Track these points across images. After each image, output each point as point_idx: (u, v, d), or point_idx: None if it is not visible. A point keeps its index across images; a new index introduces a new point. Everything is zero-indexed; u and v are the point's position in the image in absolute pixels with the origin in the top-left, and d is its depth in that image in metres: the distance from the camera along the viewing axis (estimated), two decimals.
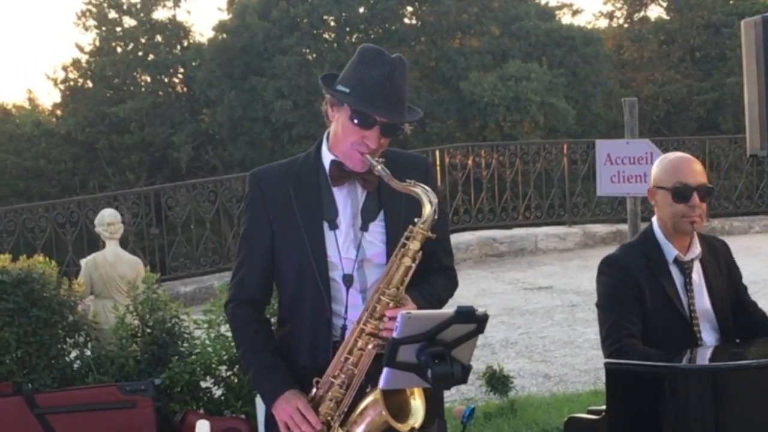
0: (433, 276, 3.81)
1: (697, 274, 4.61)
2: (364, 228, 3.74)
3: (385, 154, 3.72)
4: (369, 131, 3.61)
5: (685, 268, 4.57)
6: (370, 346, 3.54)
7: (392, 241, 3.69)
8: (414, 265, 3.57)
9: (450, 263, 3.96)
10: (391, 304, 3.54)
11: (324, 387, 3.63)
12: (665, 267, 4.56)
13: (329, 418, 3.62)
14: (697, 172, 4.54)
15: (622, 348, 4.41)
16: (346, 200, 3.76)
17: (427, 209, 3.57)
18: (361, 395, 3.58)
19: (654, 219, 4.67)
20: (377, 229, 3.75)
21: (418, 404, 3.51)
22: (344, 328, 3.71)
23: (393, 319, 3.48)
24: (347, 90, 3.64)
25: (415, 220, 3.58)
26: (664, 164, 4.62)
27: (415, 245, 3.56)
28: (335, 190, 3.76)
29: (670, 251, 4.56)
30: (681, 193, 4.48)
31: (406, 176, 3.65)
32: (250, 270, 3.85)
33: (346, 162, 3.71)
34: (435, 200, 3.58)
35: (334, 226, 3.73)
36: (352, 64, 3.70)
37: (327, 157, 3.78)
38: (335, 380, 3.61)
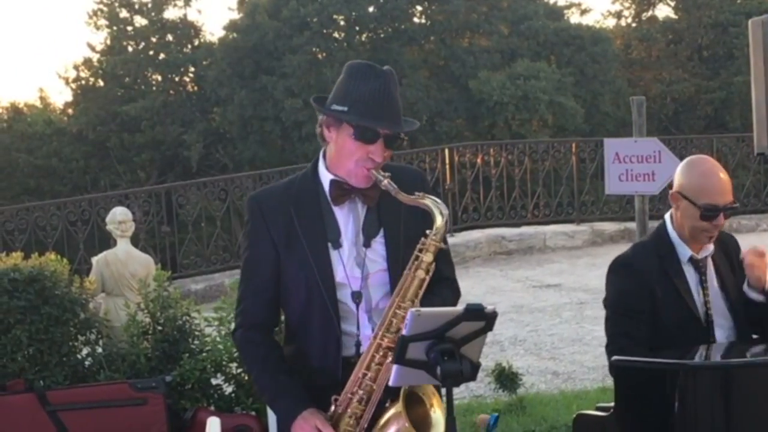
0: (438, 287, 3.77)
1: (710, 272, 4.60)
2: (367, 245, 3.74)
3: (385, 169, 3.72)
4: (373, 146, 3.62)
5: (700, 266, 4.56)
6: (388, 360, 3.51)
7: (392, 257, 3.72)
8: (428, 278, 3.56)
9: (452, 274, 3.95)
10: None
11: (343, 404, 3.61)
12: (678, 266, 4.55)
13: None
14: (726, 189, 4.47)
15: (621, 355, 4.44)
16: (347, 219, 3.76)
17: (439, 221, 3.56)
18: (380, 410, 3.58)
19: (667, 217, 4.64)
20: (378, 246, 3.76)
21: (438, 416, 3.52)
22: (358, 344, 3.71)
23: None
24: (345, 108, 3.63)
25: (427, 232, 3.57)
26: (695, 176, 4.51)
27: (428, 257, 3.55)
28: (336, 210, 3.75)
29: (684, 251, 4.55)
30: (709, 213, 4.42)
31: (408, 189, 3.65)
32: (256, 297, 3.83)
33: (350, 180, 3.70)
34: (446, 212, 3.58)
35: (337, 246, 3.72)
36: (342, 82, 3.69)
37: (326, 177, 3.76)
38: (353, 396, 3.58)
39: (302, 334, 3.80)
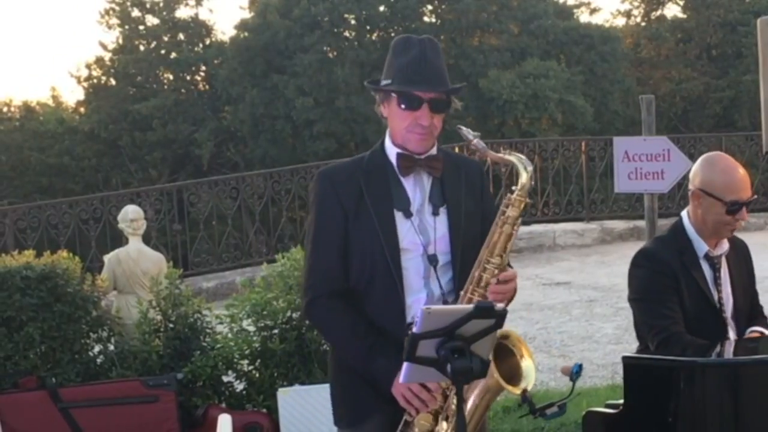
0: None
1: (723, 270, 4.68)
2: (436, 213, 3.91)
3: (445, 154, 4.00)
4: (418, 111, 3.82)
5: (715, 263, 4.64)
6: None
7: (455, 226, 3.90)
8: (515, 233, 3.76)
9: None
10: (496, 272, 3.72)
11: None
12: (696, 261, 4.62)
13: (445, 387, 3.71)
14: (747, 185, 4.60)
15: (671, 338, 4.47)
16: (414, 189, 3.93)
17: (524, 177, 3.80)
18: None
19: (684, 214, 4.71)
20: (443, 215, 3.92)
21: (528, 365, 3.67)
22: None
23: (502, 282, 3.70)
24: (389, 81, 3.85)
25: (513, 188, 3.81)
26: (717, 173, 4.59)
27: (514, 212, 3.77)
28: (404, 181, 3.92)
29: (701, 246, 4.62)
30: (735, 208, 4.51)
31: (463, 174, 3.97)
32: (330, 262, 3.92)
33: (407, 146, 3.90)
34: (530, 168, 3.82)
35: (408, 215, 3.88)
36: (387, 59, 3.92)
37: (392, 151, 3.96)
38: None
39: (364, 302, 3.90)
